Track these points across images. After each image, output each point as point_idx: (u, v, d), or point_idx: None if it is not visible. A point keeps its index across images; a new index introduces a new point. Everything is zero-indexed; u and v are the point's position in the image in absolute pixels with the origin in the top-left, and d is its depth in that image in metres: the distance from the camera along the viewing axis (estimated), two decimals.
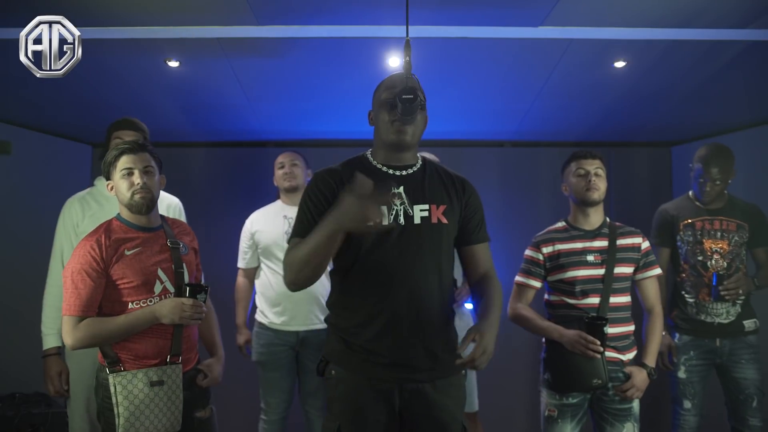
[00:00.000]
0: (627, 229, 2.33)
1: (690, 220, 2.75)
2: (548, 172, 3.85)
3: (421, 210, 1.67)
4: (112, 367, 1.89)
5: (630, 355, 2.26)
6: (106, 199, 2.39)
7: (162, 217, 2.11)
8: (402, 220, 1.65)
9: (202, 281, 2.22)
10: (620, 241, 2.28)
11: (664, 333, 2.69)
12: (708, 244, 2.70)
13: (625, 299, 2.27)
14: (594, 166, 2.29)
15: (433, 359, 1.66)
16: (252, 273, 2.98)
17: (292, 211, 2.91)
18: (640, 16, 2.40)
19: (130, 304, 1.91)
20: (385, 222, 1.56)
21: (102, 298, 1.91)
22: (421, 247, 1.65)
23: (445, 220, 1.69)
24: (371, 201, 1.45)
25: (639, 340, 2.33)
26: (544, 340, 2.31)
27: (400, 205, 1.67)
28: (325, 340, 1.77)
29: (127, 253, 1.92)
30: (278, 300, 2.82)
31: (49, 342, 2.31)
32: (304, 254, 1.56)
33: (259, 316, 2.91)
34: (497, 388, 3.10)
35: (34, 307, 2.25)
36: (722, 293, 2.61)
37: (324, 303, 1.95)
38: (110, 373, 1.87)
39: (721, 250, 2.69)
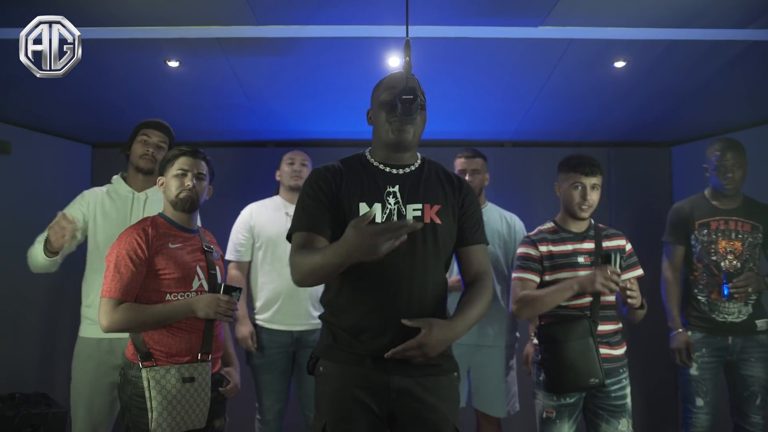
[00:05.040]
0: (611, 232, 2.38)
1: (705, 220, 2.74)
2: (549, 172, 3.81)
3: (414, 209, 1.66)
4: (145, 362, 1.91)
5: (621, 351, 2.27)
6: (121, 198, 2.46)
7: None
8: (395, 219, 1.64)
9: None
10: (606, 243, 2.32)
11: (681, 330, 2.72)
12: (722, 244, 2.70)
13: (612, 298, 2.28)
14: (591, 182, 2.28)
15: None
16: (245, 267, 2.88)
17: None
18: (640, 16, 2.40)
19: (168, 295, 1.96)
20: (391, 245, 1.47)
21: (141, 287, 1.95)
22: (410, 246, 1.61)
23: (438, 220, 1.67)
24: (378, 234, 1.41)
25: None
26: (536, 342, 2.30)
27: (394, 204, 1.66)
28: (318, 338, 1.76)
29: (171, 246, 1.99)
30: (274, 298, 2.78)
31: None
32: (310, 267, 1.57)
33: (253, 317, 2.85)
34: None
35: (34, 307, 2.26)
36: (731, 291, 2.61)
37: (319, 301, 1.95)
38: (143, 367, 1.90)
39: (735, 251, 2.69)
